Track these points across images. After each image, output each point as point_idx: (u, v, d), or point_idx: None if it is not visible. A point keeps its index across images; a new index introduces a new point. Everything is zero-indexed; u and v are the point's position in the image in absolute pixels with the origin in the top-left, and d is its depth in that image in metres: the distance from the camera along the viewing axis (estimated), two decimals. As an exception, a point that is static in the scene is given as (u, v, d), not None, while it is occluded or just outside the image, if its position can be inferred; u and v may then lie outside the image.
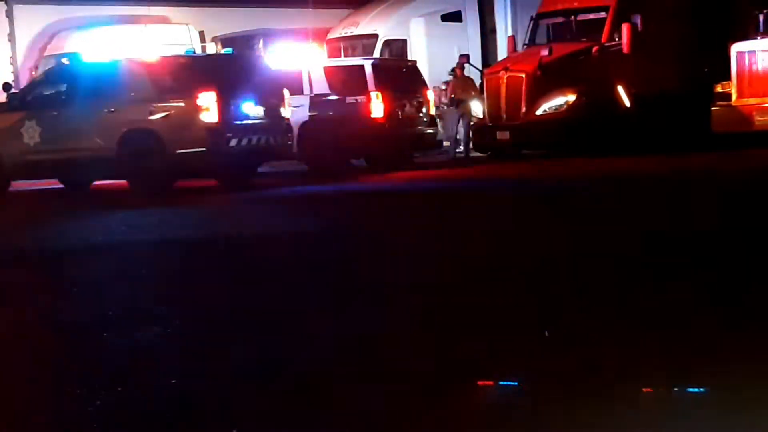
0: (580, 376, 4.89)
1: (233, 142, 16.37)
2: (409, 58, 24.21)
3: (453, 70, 22.47)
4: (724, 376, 4.76)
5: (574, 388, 4.71)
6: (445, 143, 22.35)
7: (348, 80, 19.86)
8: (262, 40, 24.59)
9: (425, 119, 20.85)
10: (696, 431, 4.21)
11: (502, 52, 24.69)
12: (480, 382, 4.95)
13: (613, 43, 20.82)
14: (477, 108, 21.59)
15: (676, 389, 4.65)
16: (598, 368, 5.00)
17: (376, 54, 24.22)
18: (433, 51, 24.98)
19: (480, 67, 24.20)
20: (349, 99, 19.60)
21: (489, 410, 4.58)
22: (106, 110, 16.54)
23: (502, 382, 4.94)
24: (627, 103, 20.58)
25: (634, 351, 5.27)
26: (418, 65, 22.03)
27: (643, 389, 4.69)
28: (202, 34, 25.19)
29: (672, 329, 5.68)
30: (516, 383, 4.90)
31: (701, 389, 4.66)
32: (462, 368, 5.15)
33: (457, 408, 4.58)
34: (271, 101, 17.14)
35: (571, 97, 20.23)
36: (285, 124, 17.49)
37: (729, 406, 4.40)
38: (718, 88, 19.56)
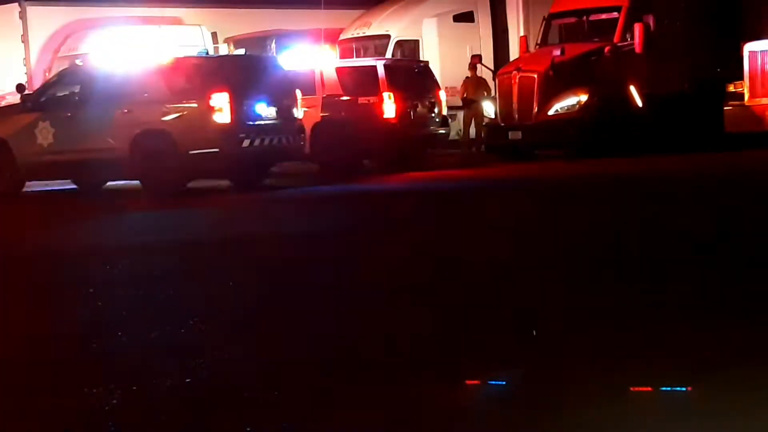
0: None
1: (246, 143, 16.41)
2: (421, 58, 24.23)
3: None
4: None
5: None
6: None
7: (360, 81, 19.89)
8: (274, 41, 24.62)
9: (437, 119, 20.86)
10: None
11: (514, 53, 24.65)
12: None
13: (626, 43, 20.79)
14: (489, 108, 21.59)
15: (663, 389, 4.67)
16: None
17: (389, 54, 24.23)
18: (446, 51, 24.97)
19: (492, 68, 24.20)
20: (362, 99, 19.63)
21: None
22: (119, 111, 16.61)
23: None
24: (639, 102, 20.54)
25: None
26: (431, 65, 22.06)
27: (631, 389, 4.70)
28: (215, 35, 25.23)
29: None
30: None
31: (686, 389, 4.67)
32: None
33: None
34: (284, 102, 17.18)
35: (584, 97, 20.21)
36: (297, 124, 17.53)
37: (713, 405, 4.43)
38: (731, 88, 19.54)
